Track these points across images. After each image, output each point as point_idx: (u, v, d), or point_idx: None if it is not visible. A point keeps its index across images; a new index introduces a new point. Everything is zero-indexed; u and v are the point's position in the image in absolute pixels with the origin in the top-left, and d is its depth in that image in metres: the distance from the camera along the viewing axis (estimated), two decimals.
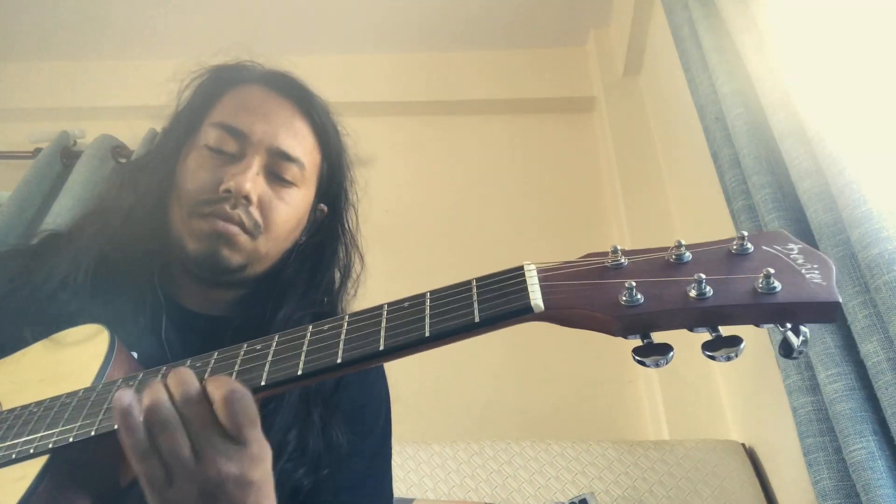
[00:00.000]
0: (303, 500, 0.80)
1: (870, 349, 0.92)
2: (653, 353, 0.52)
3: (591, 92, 2.58)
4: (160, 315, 0.84)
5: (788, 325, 0.51)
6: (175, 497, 0.55)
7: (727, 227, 1.37)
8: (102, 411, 0.61)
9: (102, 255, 0.84)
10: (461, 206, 2.40)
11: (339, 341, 0.58)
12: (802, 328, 0.51)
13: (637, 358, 0.52)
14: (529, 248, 2.26)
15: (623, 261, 0.56)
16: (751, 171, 1.23)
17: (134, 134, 2.15)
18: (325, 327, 0.60)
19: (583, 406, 1.96)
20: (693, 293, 0.51)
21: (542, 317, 0.54)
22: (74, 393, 0.65)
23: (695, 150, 1.77)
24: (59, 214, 2.11)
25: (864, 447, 0.92)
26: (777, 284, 0.50)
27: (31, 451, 0.61)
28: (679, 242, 0.55)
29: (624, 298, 0.52)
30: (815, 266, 0.52)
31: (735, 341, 0.51)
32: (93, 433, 0.60)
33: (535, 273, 0.56)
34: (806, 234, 1.10)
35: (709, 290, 0.51)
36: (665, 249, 0.56)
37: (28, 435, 0.63)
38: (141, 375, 0.64)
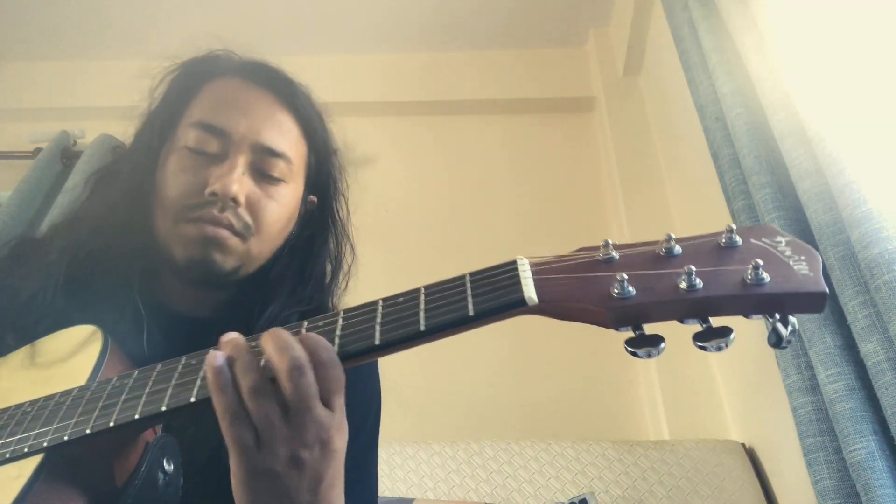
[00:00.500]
0: None
1: (870, 349, 0.92)
2: (644, 345, 0.53)
3: (591, 92, 2.58)
4: (141, 323, 0.81)
5: (777, 316, 0.52)
6: (263, 462, 0.55)
7: None
8: (98, 409, 0.61)
9: (73, 267, 0.81)
10: (461, 206, 2.40)
11: (334, 336, 0.58)
12: (791, 318, 0.52)
13: (629, 349, 0.53)
14: (529, 248, 2.24)
15: (614, 254, 0.57)
16: (751, 171, 1.23)
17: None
18: (321, 323, 0.60)
19: (583, 406, 1.96)
20: (683, 285, 0.52)
21: (535, 310, 0.55)
22: (69, 391, 0.65)
23: (695, 150, 1.77)
24: (60, 214, 2.11)
25: (864, 447, 0.92)
26: (765, 275, 0.51)
27: (26, 450, 0.61)
28: (669, 236, 0.56)
29: (616, 291, 0.53)
30: (803, 257, 0.53)
31: (725, 332, 0.52)
32: (88, 431, 0.59)
33: (528, 267, 0.57)
34: (806, 234, 1.10)
35: (699, 282, 0.52)
36: (655, 243, 0.57)
37: (22, 434, 0.63)
38: (136, 373, 0.64)
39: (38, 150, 2.44)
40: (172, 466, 0.65)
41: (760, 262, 0.52)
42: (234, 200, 0.80)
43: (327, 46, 2.62)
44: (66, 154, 2.45)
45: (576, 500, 1.47)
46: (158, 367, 0.63)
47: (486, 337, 0.56)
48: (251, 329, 0.70)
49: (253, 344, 0.58)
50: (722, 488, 1.48)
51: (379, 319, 0.58)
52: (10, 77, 2.66)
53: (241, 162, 0.81)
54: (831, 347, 1.01)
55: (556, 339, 1.98)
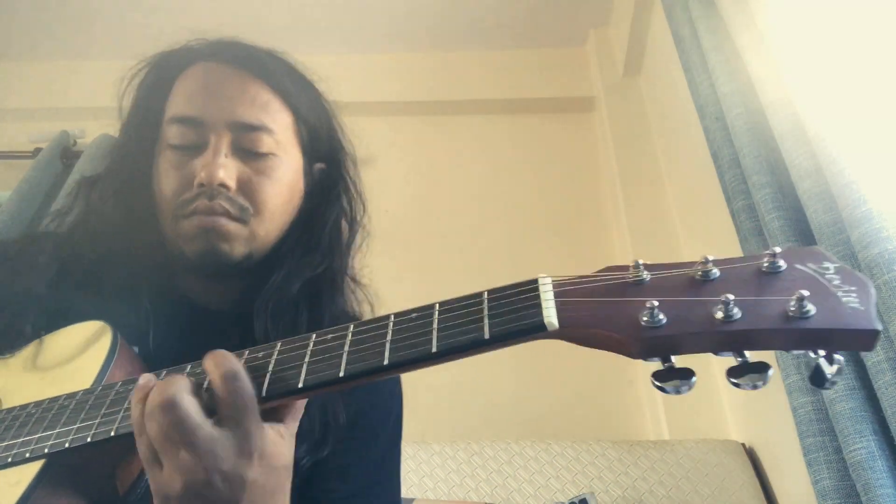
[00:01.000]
0: (298, 482, 0.78)
1: None
2: (674, 378, 0.49)
3: (591, 92, 2.58)
4: (148, 320, 0.81)
5: (822, 353, 0.47)
6: (163, 481, 0.53)
7: (727, 227, 1.37)
8: (100, 415, 0.60)
9: (76, 267, 0.81)
10: (461, 206, 2.40)
11: (342, 353, 0.56)
12: (836, 356, 0.47)
13: (656, 384, 0.49)
14: (529, 248, 2.26)
15: (645, 276, 0.52)
16: (751, 170, 1.23)
17: None
18: (329, 336, 0.58)
19: (583, 406, 1.96)
20: (720, 315, 0.48)
21: (555, 335, 0.51)
22: (73, 394, 0.64)
23: (695, 150, 1.77)
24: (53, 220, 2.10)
25: (864, 447, 0.92)
26: (811, 308, 0.46)
27: (28, 454, 0.60)
28: (706, 258, 0.51)
29: (645, 318, 0.49)
30: (853, 288, 0.48)
31: (762, 367, 0.47)
32: (89, 440, 0.59)
33: (550, 287, 0.53)
34: (806, 234, 1.10)
35: (737, 313, 0.47)
36: (691, 265, 0.52)
37: (25, 437, 0.62)
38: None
39: (38, 150, 2.44)
40: None
41: (806, 293, 0.46)
42: (224, 185, 0.78)
43: (327, 46, 2.61)
44: (66, 154, 2.45)
45: (576, 500, 1.47)
46: (163, 374, 0.62)
47: (495, 350, 0.55)
48: (260, 313, 0.69)
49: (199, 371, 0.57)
50: (722, 488, 1.48)
51: (389, 337, 0.55)
52: (10, 77, 2.65)
53: (223, 145, 0.79)
54: None
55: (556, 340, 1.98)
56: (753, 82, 1.29)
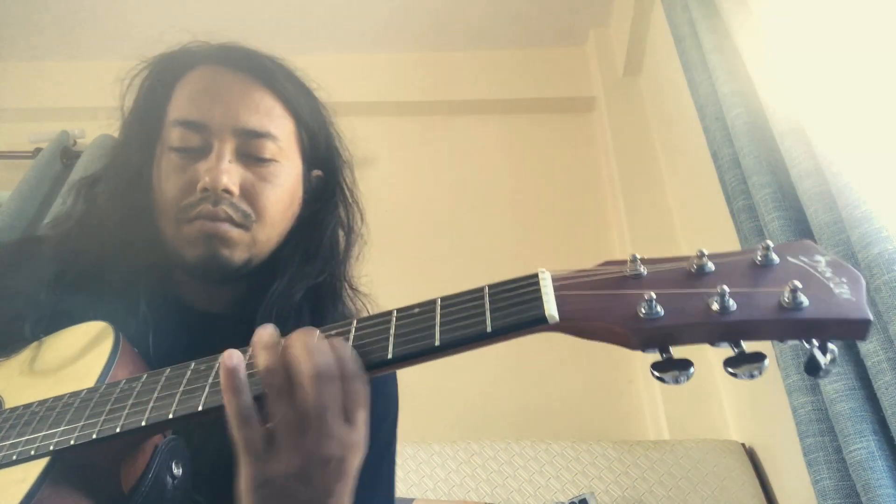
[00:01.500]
0: None
1: (870, 349, 0.92)
2: (672, 369, 0.50)
3: (591, 92, 2.58)
4: (147, 322, 0.80)
5: (815, 342, 0.48)
6: (274, 470, 0.53)
7: (727, 227, 1.37)
8: (104, 413, 0.61)
9: (75, 269, 0.81)
10: (461, 206, 2.40)
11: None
12: (830, 345, 0.48)
13: (656, 374, 0.50)
14: (529, 248, 2.26)
15: (642, 270, 0.53)
16: (751, 170, 1.23)
17: None
18: (332, 332, 0.58)
19: (583, 406, 1.96)
20: (715, 306, 0.49)
21: (556, 327, 0.52)
22: (77, 393, 0.64)
23: (695, 150, 1.77)
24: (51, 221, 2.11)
25: (864, 447, 0.92)
26: (804, 299, 0.48)
27: (33, 452, 0.60)
28: (701, 252, 0.53)
29: (643, 310, 0.50)
30: (844, 279, 0.50)
31: (758, 358, 0.48)
32: (94, 436, 0.59)
33: (549, 281, 0.54)
34: (806, 234, 1.10)
35: (732, 304, 0.49)
36: (686, 259, 0.54)
37: (30, 435, 0.62)
38: (145, 377, 0.63)
39: (38, 150, 2.44)
40: (181, 470, 0.64)
41: (799, 284, 0.48)
42: (227, 191, 0.78)
43: (328, 46, 2.62)
44: (66, 154, 2.45)
45: (576, 500, 1.47)
46: (168, 371, 0.63)
47: (497, 343, 0.55)
48: (264, 319, 0.69)
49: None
50: (722, 488, 1.48)
51: (392, 332, 0.56)
52: (10, 77, 2.65)
53: (227, 150, 0.79)
54: None
55: (556, 339, 1.97)
56: (753, 82, 1.29)
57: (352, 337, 0.57)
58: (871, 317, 0.47)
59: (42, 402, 0.66)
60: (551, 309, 0.52)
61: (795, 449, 1.08)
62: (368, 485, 0.84)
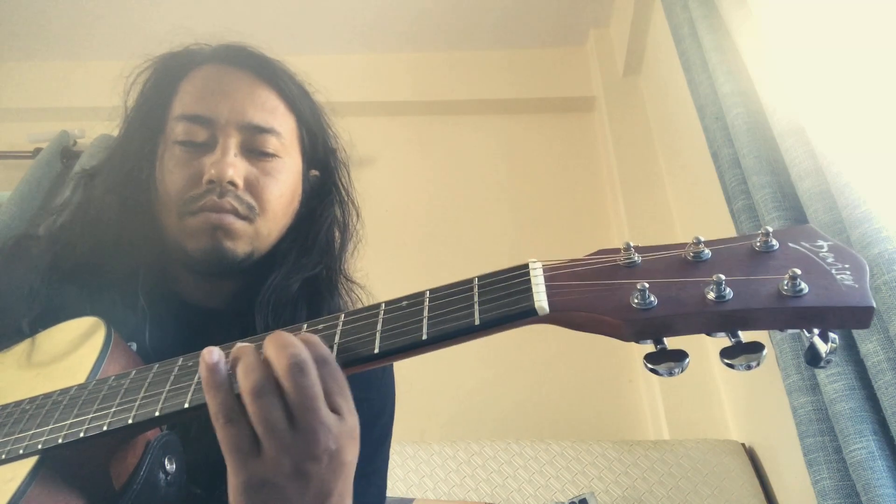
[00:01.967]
0: None
1: (870, 349, 0.92)
2: (666, 360, 0.48)
3: (591, 92, 2.58)
4: (144, 317, 0.81)
5: (816, 331, 0.47)
6: (262, 470, 0.51)
7: (727, 226, 1.37)
8: (92, 411, 0.60)
9: (71, 263, 0.81)
10: (461, 206, 2.40)
11: (332, 344, 0.55)
12: (831, 334, 0.47)
13: (649, 366, 0.48)
14: (529, 249, 2.26)
15: (636, 259, 0.52)
16: (751, 170, 1.23)
17: None
18: (320, 326, 0.58)
19: (583, 406, 1.96)
20: (711, 295, 0.47)
21: (546, 320, 0.51)
22: (67, 390, 0.64)
23: (695, 150, 1.77)
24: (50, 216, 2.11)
25: (864, 447, 0.92)
26: (804, 286, 0.46)
27: (21, 451, 0.60)
28: (698, 239, 0.51)
29: (636, 300, 0.48)
30: (847, 266, 0.47)
31: (756, 348, 0.47)
32: (82, 435, 0.58)
33: (540, 272, 0.53)
34: None
35: (729, 293, 0.47)
36: (683, 246, 0.52)
37: (19, 433, 0.62)
38: (133, 374, 0.63)
39: (38, 150, 2.44)
40: (175, 465, 0.63)
41: (798, 271, 0.46)
42: (232, 184, 0.79)
43: (328, 46, 2.62)
44: (66, 154, 2.45)
45: (576, 500, 1.47)
46: (156, 367, 0.62)
47: (487, 336, 0.54)
48: (261, 309, 0.69)
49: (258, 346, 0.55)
50: (722, 488, 1.48)
51: (380, 326, 0.55)
52: (10, 77, 2.66)
53: (232, 144, 0.81)
54: None
55: (556, 338, 1.98)
56: (753, 82, 1.29)
57: (339, 331, 0.56)
58: (874, 304, 0.45)
59: (32, 400, 0.65)
60: (541, 301, 0.51)
61: (795, 449, 1.08)
62: (361, 479, 0.85)
